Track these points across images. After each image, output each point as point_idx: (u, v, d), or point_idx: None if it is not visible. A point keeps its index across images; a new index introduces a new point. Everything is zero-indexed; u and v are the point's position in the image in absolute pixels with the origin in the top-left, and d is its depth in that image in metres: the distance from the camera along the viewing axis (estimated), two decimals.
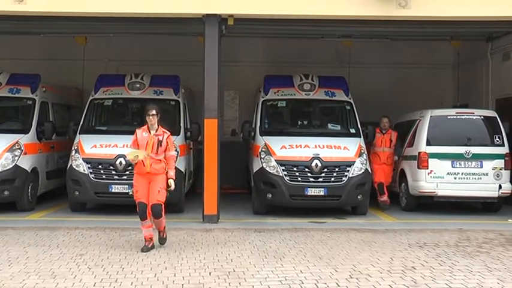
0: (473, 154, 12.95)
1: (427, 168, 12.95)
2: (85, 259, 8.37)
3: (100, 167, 12.23)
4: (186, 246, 9.38)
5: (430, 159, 12.97)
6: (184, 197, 13.16)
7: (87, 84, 15.61)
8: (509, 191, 13.10)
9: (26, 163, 12.66)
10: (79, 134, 13.06)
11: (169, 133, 9.17)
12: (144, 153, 8.86)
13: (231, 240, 9.93)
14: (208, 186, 11.65)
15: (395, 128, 14.47)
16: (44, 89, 14.10)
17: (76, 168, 12.40)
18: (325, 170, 12.29)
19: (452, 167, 12.98)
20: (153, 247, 8.97)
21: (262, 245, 9.48)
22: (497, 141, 13.16)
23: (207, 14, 11.65)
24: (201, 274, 7.65)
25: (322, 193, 12.24)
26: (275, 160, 12.43)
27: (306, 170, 12.27)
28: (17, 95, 13.66)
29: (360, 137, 13.28)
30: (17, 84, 13.73)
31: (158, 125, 9.08)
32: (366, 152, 12.86)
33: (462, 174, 12.96)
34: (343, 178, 12.34)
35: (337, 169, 12.36)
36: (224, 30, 12.03)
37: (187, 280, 7.36)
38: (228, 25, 11.95)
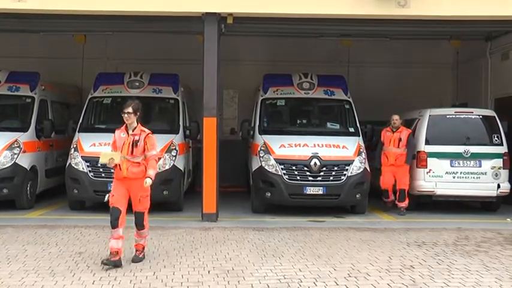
0: (472, 153, 12.96)
1: (426, 168, 12.97)
2: (84, 257, 8.37)
3: (99, 165, 12.21)
4: (185, 244, 9.38)
5: (428, 159, 12.97)
6: (183, 196, 13.18)
7: (87, 82, 15.61)
8: (508, 190, 13.13)
9: (25, 161, 12.65)
10: (78, 132, 13.07)
11: (148, 132, 8.17)
12: (120, 155, 7.98)
13: (230, 238, 9.94)
14: (207, 184, 11.65)
15: None
16: (43, 87, 14.10)
17: (75, 167, 12.40)
18: (324, 168, 12.30)
19: (451, 166, 12.99)
20: (119, 264, 7.75)
21: (261, 244, 9.49)
22: (496, 140, 13.18)
23: (206, 13, 11.65)
24: (200, 272, 7.66)
25: (321, 192, 12.26)
26: (274, 159, 12.44)
27: (305, 168, 12.29)
28: (16, 93, 13.65)
29: (359, 136, 13.29)
30: (16, 82, 13.72)
31: (137, 124, 8.17)
32: (364, 151, 12.86)
33: (461, 173, 12.98)
34: (342, 177, 12.35)
35: (336, 168, 12.37)
36: (223, 29, 12.03)
37: (186, 278, 7.37)
38: (228, 24, 11.95)
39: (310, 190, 12.24)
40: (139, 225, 8.17)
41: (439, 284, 7.25)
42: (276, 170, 12.37)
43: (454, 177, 12.97)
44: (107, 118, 14.03)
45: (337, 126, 13.94)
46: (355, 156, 12.58)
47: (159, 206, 12.70)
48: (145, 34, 16.00)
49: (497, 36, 15.98)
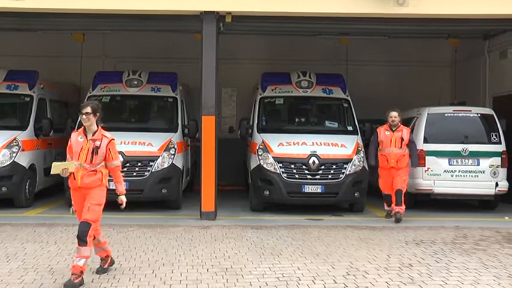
0: (470, 152, 12.97)
1: (424, 166, 12.97)
2: None
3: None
4: (184, 243, 9.39)
5: (427, 157, 12.97)
6: (181, 194, 13.19)
7: (85, 81, 15.62)
8: (506, 189, 13.13)
9: (23, 160, 12.66)
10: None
11: (111, 138, 7.19)
12: (74, 163, 7.00)
13: (229, 237, 9.95)
14: (205, 183, 11.66)
15: None
16: (41, 85, 14.10)
17: None
18: (323, 167, 12.31)
19: (449, 164, 13.00)
20: (81, 284, 6.85)
21: (260, 242, 9.50)
22: (494, 139, 13.19)
23: (204, 11, 11.66)
24: (199, 271, 7.66)
25: (319, 190, 12.26)
26: (272, 157, 12.45)
27: (303, 167, 12.29)
28: (14, 92, 13.66)
29: (358, 134, 13.30)
30: (15, 81, 13.72)
31: (98, 127, 7.19)
32: (363, 150, 12.86)
33: (459, 171, 12.98)
34: (340, 175, 12.36)
35: (334, 166, 12.38)
36: (222, 28, 12.04)
37: (185, 276, 7.38)
38: (226, 22, 11.96)
39: (309, 188, 12.25)
40: (81, 239, 6.88)
41: (438, 282, 7.26)
42: (274, 168, 12.38)
43: (452, 176, 12.98)
44: (105, 117, 13.80)
45: (336, 125, 13.96)
46: (353, 154, 12.58)
47: (158, 204, 12.78)
48: (143, 33, 15.99)
49: (495, 34, 15.98)
